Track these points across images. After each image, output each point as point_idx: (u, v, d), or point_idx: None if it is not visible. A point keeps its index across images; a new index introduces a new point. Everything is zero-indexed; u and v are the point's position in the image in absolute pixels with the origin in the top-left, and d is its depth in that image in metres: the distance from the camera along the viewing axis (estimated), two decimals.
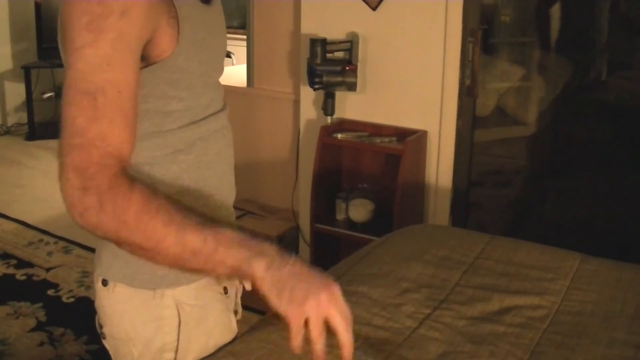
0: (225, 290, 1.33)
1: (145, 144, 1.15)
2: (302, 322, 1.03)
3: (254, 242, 1.02)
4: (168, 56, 1.09)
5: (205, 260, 1.01)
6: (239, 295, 1.44)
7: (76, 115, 1.00)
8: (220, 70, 1.29)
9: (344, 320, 1.06)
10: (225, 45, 1.30)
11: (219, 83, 1.30)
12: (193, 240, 1.00)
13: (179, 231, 1.00)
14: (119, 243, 1.04)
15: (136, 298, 1.24)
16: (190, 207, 1.05)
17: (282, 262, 1.02)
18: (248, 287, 1.43)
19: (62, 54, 1.10)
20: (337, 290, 1.05)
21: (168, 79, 1.11)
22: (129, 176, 1.02)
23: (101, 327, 1.31)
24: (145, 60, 1.08)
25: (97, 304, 1.29)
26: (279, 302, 1.02)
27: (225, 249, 1.01)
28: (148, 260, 1.05)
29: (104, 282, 1.26)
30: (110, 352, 1.33)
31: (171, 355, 1.27)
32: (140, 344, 1.26)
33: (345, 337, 1.07)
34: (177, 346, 1.27)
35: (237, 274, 1.04)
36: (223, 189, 1.29)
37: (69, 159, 0.99)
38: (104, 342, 1.33)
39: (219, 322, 1.33)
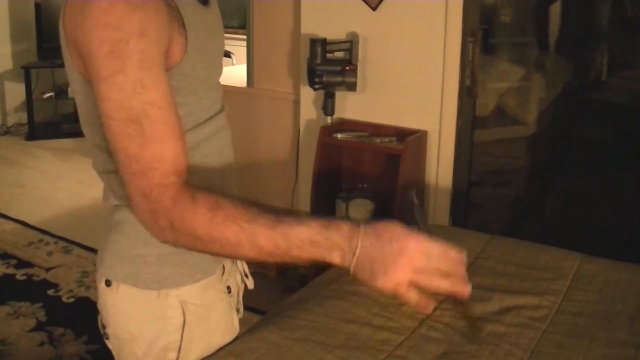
0: (229, 289, 1.33)
1: None
2: (401, 291, 1.00)
3: (322, 236, 0.99)
4: (177, 64, 1.09)
5: (282, 257, 1.02)
6: (241, 294, 1.44)
7: (127, 144, 1.02)
8: (219, 71, 1.30)
9: (432, 276, 1.00)
10: (223, 45, 1.31)
11: (219, 83, 1.30)
12: (266, 246, 1.01)
13: (251, 239, 1.01)
14: (205, 253, 1.07)
15: (140, 298, 1.24)
16: (253, 202, 1.05)
17: (352, 247, 0.99)
18: (250, 285, 1.44)
19: (72, 73, 1.10)
20: (413, 250, 0.98)
21: (175, 87, 1.10)
22: (191, 190, 1.04)
23: (104, 327, 1.31)
24: None
25: (100, 304, 1.29)
26: (368, 283, 1.00)
27: (297, 249, 1.01)
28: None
29: (108, 283, 1.25)
30: (114, 352, 1.33)
31: (174, 354, 1.27)
32: (144, 344, 1.26)
33: (445, 288, 1.02)
34: (180, 345, 1.26)
35: (317, 263, 1.03)
36: (225, 188, 1.30)
37: (133, 186, 1.03)
38: (107, 342, 1.33)
39: (221, 322, 1.33)
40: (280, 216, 1.02)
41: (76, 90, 1.15)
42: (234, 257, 1.07)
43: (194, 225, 1.02)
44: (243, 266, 1.44)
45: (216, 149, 1.25)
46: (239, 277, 1.41)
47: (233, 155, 1.34)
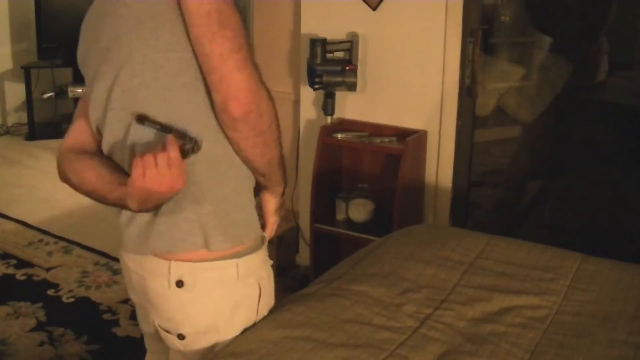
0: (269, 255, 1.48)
1: None
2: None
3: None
4: None
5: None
6: None
7: (240, 45, 1.21)
8: None
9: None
10: None
11: None
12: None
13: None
14: (259, 133, 1.27)
15: (219, 287, 1.33)
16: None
17: None
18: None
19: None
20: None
21: None
22: None
23: (176, 330, 1.36)
24: None
25: (173, 308, 1.33)
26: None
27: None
28: None
29: (179, 284, 1.29)
30: (185, 349, 1.38)
31: (250, 325, 1.42)
32: (224, 328, 1.37)
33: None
34: (257, 312, 1.42)
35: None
36: None
37: (250, 82, 1.22)
38: (178, 343, 1.37)
39: (272, 285, 1.48)
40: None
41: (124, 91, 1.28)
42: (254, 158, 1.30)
43: (268, 114, 1.28)
44: None
45: None
46: None
47: None
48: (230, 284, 1.33)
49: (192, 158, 1.25)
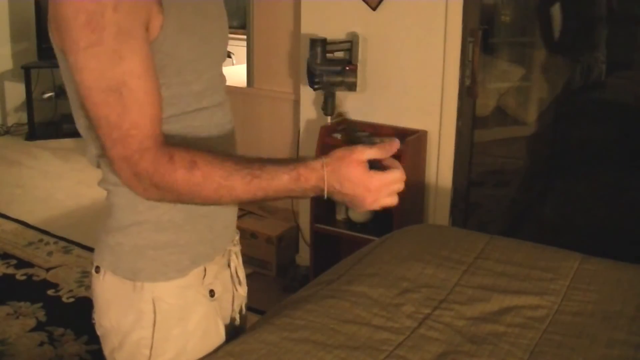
0: (212, 293, 1.31)
1: None
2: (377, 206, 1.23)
3: (296, 186, 1.12)
4: (154, 40, 1.09)
5: (261, 202, 1.21)
6: (238, 302, 1.43)
7: (107, 113, 1.06)
8: (218, 58, 1.28)
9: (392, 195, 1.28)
10: (224, 29, 1.29)
11: (221, 77, 1.29)
12: (244, 197, 1.11)
13: (230, 193, 1.10)
14: (192, 204, 1.15)
15: (120, 287, 1.24)
16: (227, 155, 1.13)
17: (322, 190, 1.14)
18: (242, 292, 1.42)
19: (58, 52, 1.15)
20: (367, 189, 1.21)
21: (156, 65, 1.10)
22: (168, 151, 1.09)
23: (94, 314, 1.32)
24: None
25: (92, 291, 1.31)
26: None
27: (274, 197, 1.13)
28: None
29: (97, 269, 1.27)
30: (101, 340, 1.33)
31: (147, 351, 1.25)
32: (119, 335, 1.26)
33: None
34: (152, 343, 1.25)
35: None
36: None
37: (114, 152, 1.08)
38: (96, 329, 1.33)
39: (201, 326, 1.30)
40: (254, 170, 1.11)
41: (66, 76, 1.17)
42: (218, 205, 1.18)
43: (175, 185, 1.08)
44: (237, 272, 1.41)
45: (207, 145, 1.22)
46: (229, 280, 1.38)
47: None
48: (127, 290, 1.24)
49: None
